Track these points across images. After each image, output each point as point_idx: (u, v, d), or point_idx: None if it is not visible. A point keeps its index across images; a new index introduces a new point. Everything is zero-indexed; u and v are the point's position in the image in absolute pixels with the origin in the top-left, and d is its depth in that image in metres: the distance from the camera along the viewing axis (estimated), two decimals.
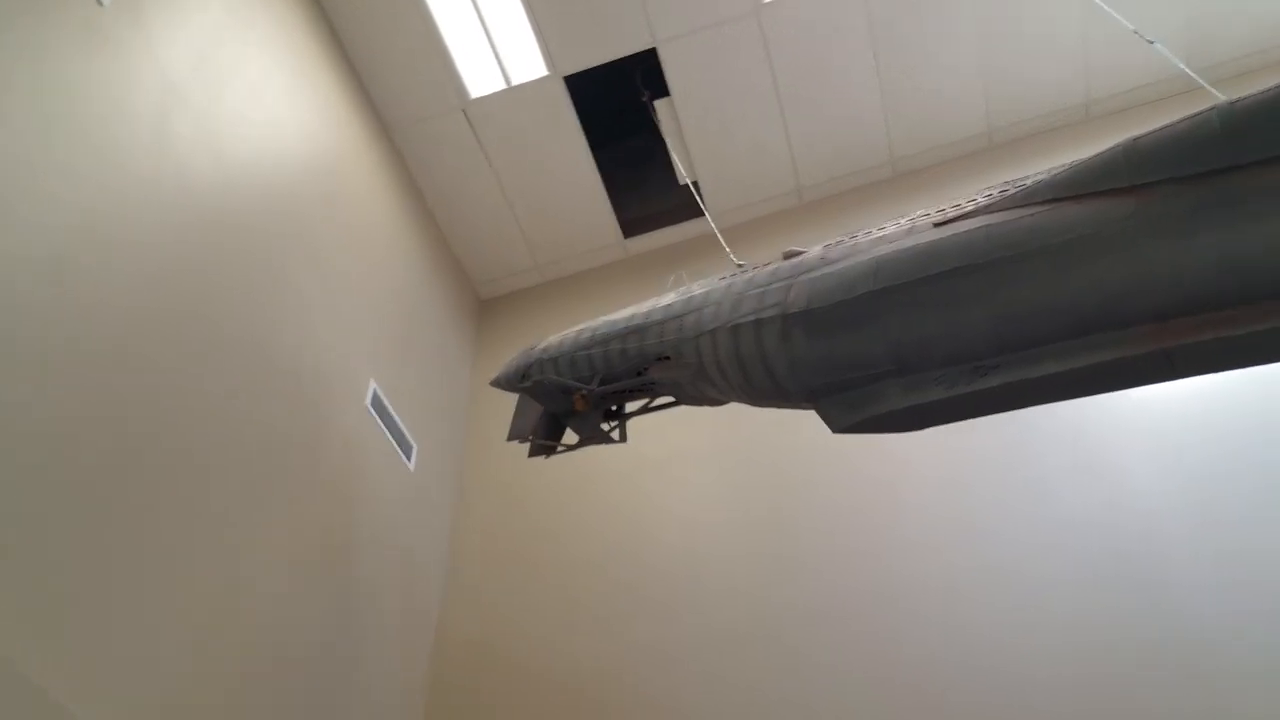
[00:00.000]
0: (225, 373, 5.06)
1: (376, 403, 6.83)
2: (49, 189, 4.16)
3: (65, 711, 3.35)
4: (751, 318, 4.02)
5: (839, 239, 4.15)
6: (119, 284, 4.38)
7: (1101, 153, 3.16)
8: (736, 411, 5.29)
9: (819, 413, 3.76)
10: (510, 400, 6.25)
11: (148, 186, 4.89)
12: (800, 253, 4.21)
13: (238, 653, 4.43)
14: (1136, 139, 3.06)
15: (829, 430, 3.75)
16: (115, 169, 4.67)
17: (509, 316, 9.59)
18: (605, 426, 5.47)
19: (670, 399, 5.34)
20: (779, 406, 4.19)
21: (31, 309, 3.81)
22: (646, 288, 6.91)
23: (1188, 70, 5.42)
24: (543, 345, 5.68)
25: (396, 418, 7.04)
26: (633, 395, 5.20)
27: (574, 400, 5.23)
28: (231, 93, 6.16)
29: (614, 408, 5.48)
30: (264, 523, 4.99)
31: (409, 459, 7.09)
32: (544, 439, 5.63)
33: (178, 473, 4.37)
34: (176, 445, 4.41)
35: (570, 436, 5.76)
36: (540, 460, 6.45)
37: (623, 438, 5.49)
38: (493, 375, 6.28)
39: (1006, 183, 3.70)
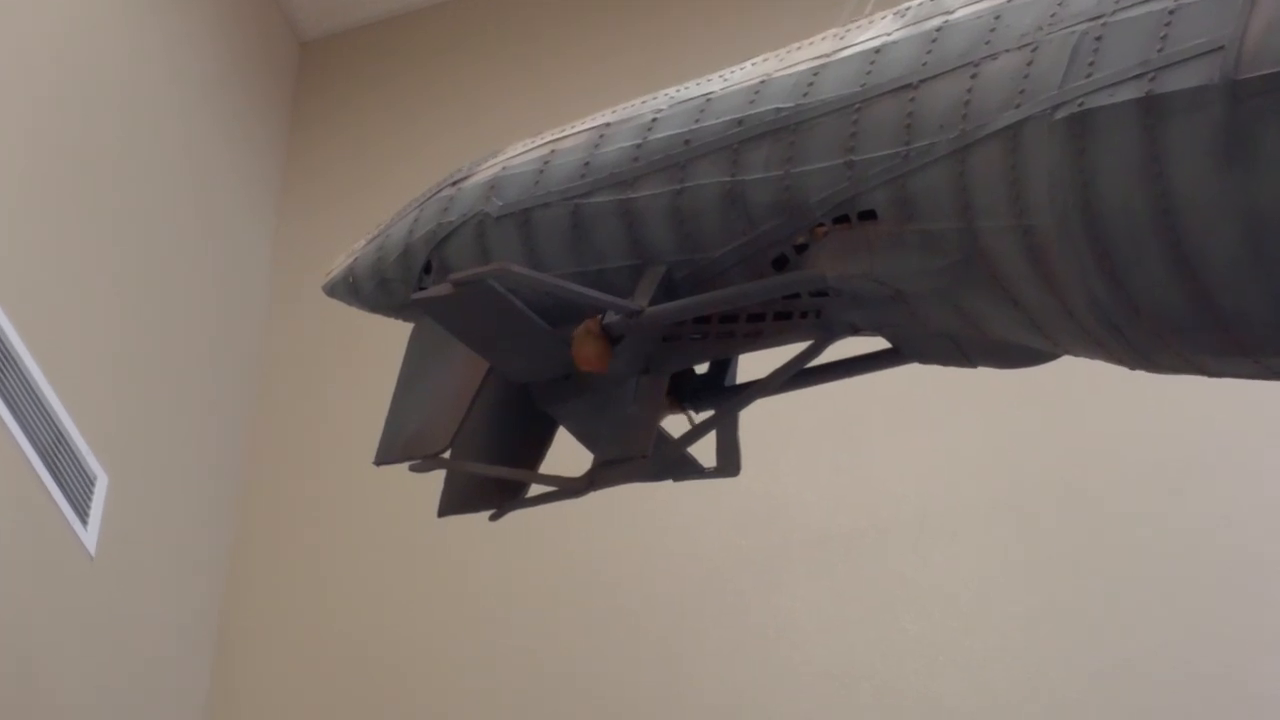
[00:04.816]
0: None
1: None
2: None
3: None
4: (1125, 90, 1.92)
5: None
6: None
7: None
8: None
9: None
10: (392, 335, 2.89)
11: None
12: None
13: None
14: None
15: None
16: None
17: (378, 82, 5.24)
18: (674, 424, 2.66)
19: (881, 342, 2.55)
20: (1198, 367, 2.00)
21: None
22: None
23: None
24: (488, 173, 2.73)
25: (54, 400, 3.51)
26: (757, 330, 2.47)
27: (582, 339, 2.42)
28: None
29: (697, 367, 2.67)
30: None
31: (84, 520, 3.58)
32: (484, 457, 2.59)
33: None
34: None
35: (569, 454, 2.72)
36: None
37: (730, 464, 2.64)
38: (336, 260, 2.97)
39: None
